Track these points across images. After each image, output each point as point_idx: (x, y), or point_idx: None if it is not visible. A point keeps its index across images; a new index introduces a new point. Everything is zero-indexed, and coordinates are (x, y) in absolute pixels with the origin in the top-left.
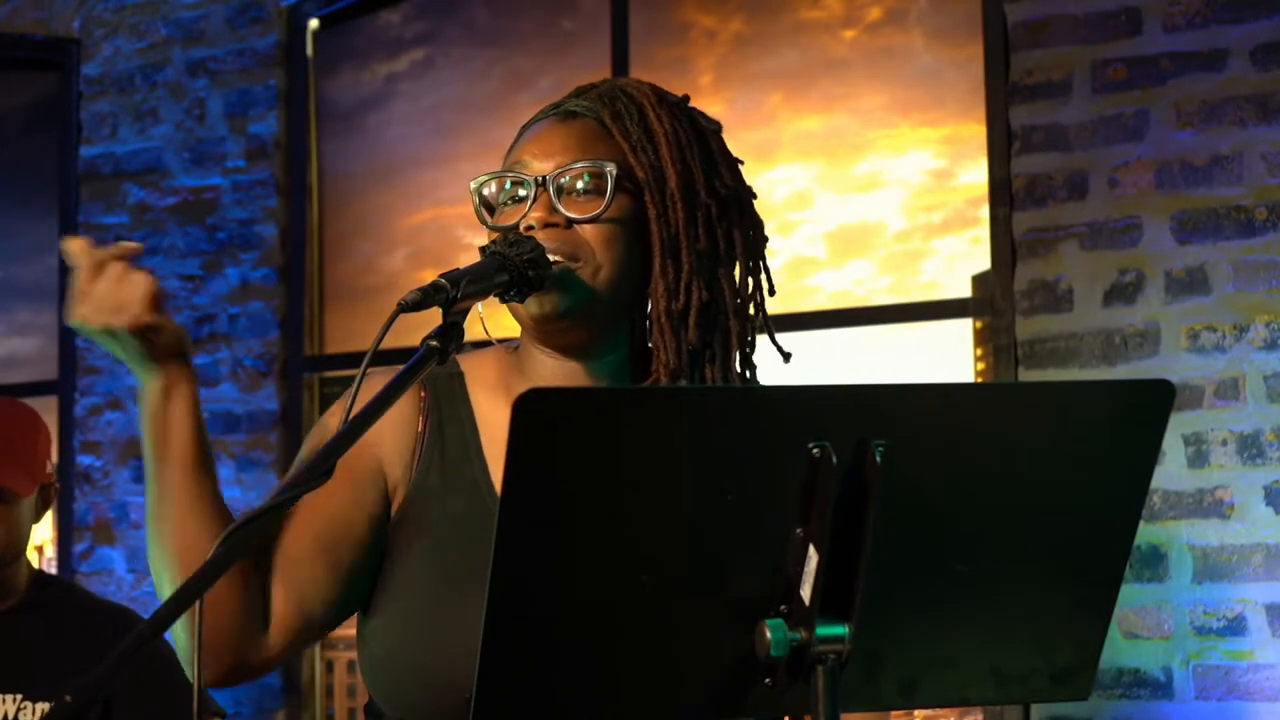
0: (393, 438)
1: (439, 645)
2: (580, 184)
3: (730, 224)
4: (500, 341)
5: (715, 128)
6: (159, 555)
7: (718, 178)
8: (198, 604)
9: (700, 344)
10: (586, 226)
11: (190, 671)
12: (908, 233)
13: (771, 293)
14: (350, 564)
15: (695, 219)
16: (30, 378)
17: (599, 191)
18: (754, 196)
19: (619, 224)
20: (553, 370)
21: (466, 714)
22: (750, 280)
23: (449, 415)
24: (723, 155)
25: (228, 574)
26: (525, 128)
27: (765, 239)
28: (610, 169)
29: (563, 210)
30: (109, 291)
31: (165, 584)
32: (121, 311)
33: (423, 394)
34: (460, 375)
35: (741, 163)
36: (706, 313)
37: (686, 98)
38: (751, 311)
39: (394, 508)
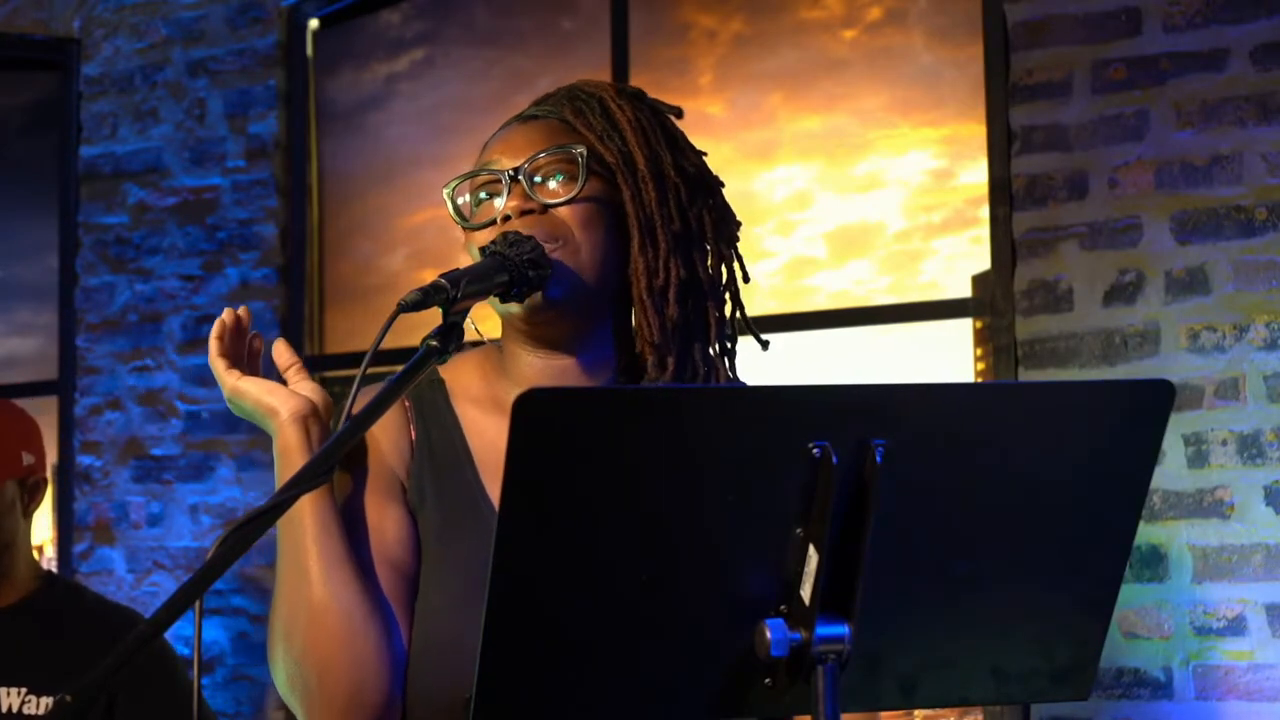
0: (395, 450)
1: (438, 648)
2: (552, 170)
3: (700, 207)
4: (474, 345)
5: (676, 112)
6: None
7: (684, 158)
8: (198, 605)
9: (682, 320)
10: (564, 210)
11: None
12: (908, 233)
13: (745, 279)
14: (414, 575)
15: (667, 199)
16: (30, 378)
17: (571, 176)
18: (721, 185)
19: (595, 204)
20: (538, 369)
21: (466, 714)
22: (724, 266)
23: (434, 423)
24: (684, 139)
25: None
26: (489, 140)
27: (738, 224)
28: (580, 150)
29: (537, 197)
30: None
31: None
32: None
33: (406, 404)
34: (441, 383)
35: (704, 154)
36: (686, 289)
37: (642, 91)
38: (728, 298)
39: None
